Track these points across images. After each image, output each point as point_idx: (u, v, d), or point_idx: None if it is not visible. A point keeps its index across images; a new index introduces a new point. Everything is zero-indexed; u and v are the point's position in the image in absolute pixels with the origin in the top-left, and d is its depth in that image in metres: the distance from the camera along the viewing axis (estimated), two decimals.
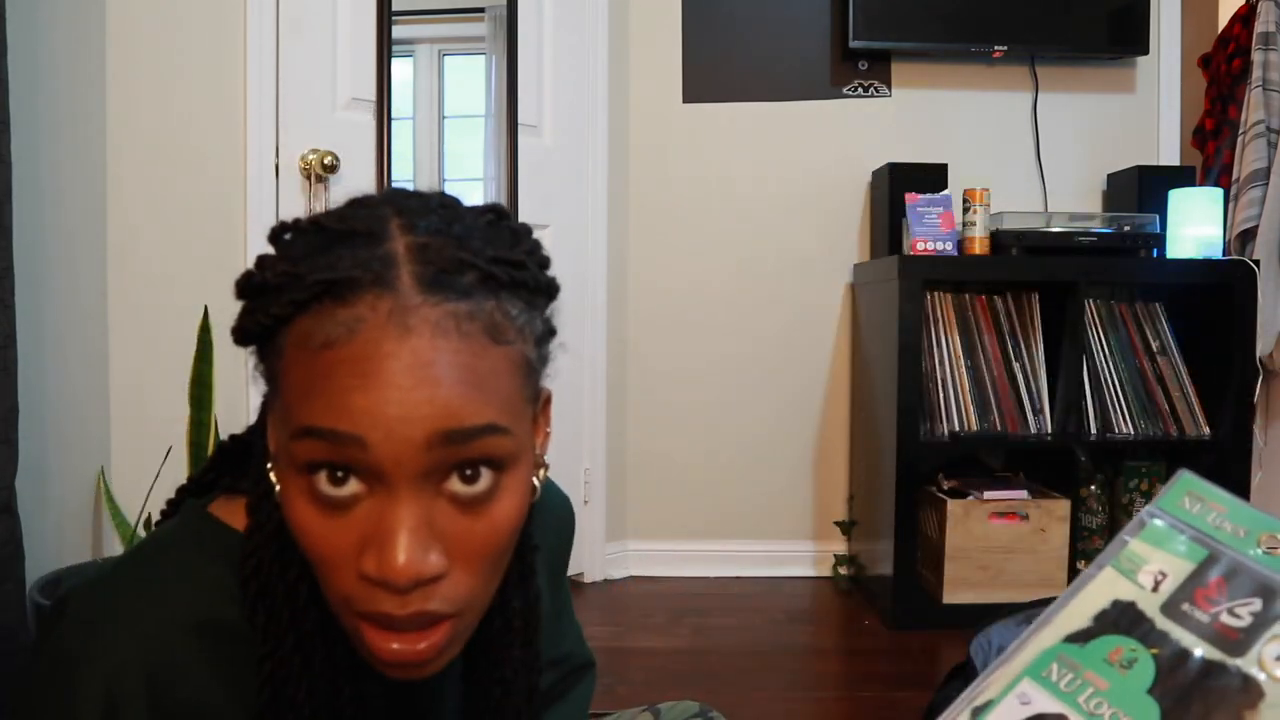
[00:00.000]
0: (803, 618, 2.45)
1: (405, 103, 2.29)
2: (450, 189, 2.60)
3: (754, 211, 2.78)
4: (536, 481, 0.57)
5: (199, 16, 2.06)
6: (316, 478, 0.50)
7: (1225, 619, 0.44)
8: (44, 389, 1.79)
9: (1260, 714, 0.41)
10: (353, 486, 0.50)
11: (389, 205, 0.54)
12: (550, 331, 0.58)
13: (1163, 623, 0.46)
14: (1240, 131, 2.55)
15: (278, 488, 0.54)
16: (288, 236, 0.54)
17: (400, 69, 2.24)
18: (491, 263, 0.52)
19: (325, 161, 2.06)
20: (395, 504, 0.50)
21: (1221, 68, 2.70)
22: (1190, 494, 0.50)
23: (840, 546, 2.76)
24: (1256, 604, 0.44)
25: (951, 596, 2.32)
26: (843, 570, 2.68)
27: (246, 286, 0.53)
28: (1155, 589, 0.47)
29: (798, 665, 2.14)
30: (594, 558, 2.70)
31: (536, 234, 0.59)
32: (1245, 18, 2.62)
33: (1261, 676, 0.42)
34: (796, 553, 2.80)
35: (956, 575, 2.32)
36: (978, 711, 0.46)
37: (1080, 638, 0.47)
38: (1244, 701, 0.42)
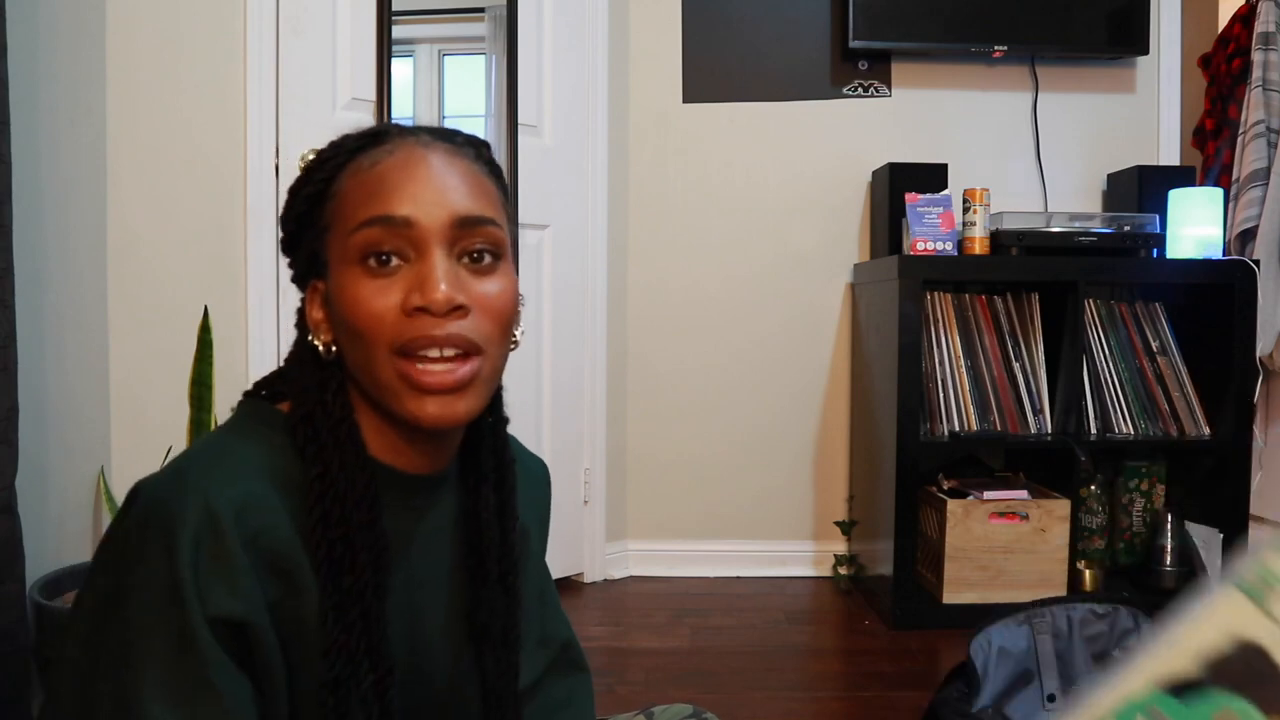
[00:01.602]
0: (803, 618, 2.45)
1: (405, 103, 2.29)
2: None
3: (754, 211, 2.78)
4: (517, 333, 0.75)
5: (199, 16, 2.06)
6: (367, 262, 0.68)
7: None
8: (44, 389, 1.79)
9: None
10: (395, 262, 0.68)
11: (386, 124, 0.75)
12: (510, 217, 0.77)
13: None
14: (1240, 131, 2.55)
15: (319, 315, 0.73)
16: (333, 144, 0.73)
17: (400, 69, 2.24)
18: (472, 140, 0.75)
19: None
20: (431, 260, 0.68)
21: (1221, 68, 2.70)
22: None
23: (840, 546, 2.76)
24: None
25: (951, 596, 2.32)
26: (843, 570, 2.69)
27: (294, 185, 0.73)
28: None
29: (798, 665, 2.14)
30: (594, 558, 2.70)
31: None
32: (1245, 18, 2.62)
33: None
34: (796, 553, 2.80)
35: (956, 575, 2.32)
36: None
37: (1181, 689, 0.35)
38: None
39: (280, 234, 0.77)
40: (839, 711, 1.88)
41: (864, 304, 2.67)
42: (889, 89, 2.79)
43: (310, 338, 0.73)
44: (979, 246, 2.42)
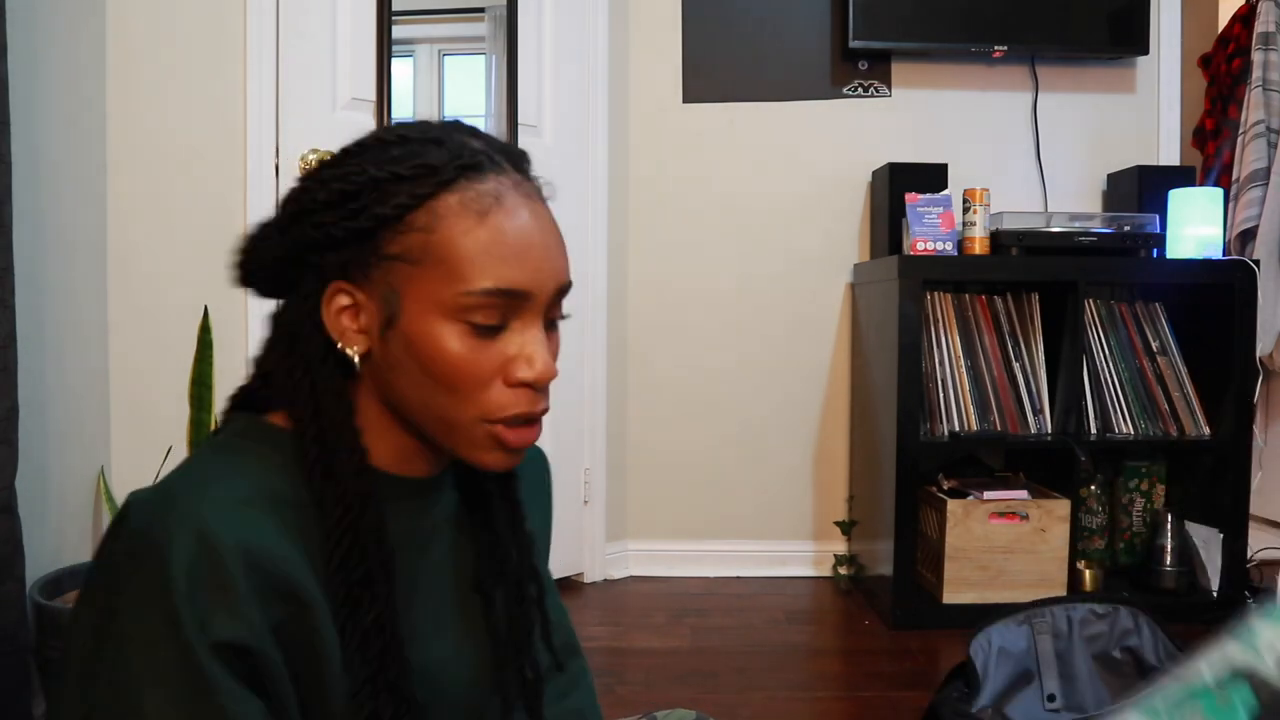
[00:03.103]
0: (803, 618, 2.45)
1: (405, 103, 2.29)
2: None
3: (754, 212, 2.78)
4: None
5: (199, 16, 2.06)
6: (474, 323, 0.67)
7: None
8: (44, 389, 1.79)
9: None
10: (503, 326, 0.68)
11: (445, 125, 0.71)
12: None
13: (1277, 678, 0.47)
14: (1240, 131, 2.55)
15: (350, 324, 0.69)
16: (367, 147, 0.69)
17: (400, 69, 2.24)
18: (530, 165, 0.73)
19: (325, 161, 2.06)
20: (536, 331, 0.69)
21: (1221, 68, 2.70)
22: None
23: (840, 546, 2.76)
24: None
25: (951, 596, 2.32)
26: (843, 570, 2.69)
27: (351, 188, 0.67)
28: (1275, 659, 0.47)
29: (798, 665, 2.14)
30: (594, 558, 2.70)
31: None
32: (1245, 18, 2.62)
33: None
34: (796, 553, 2.80)
35: (956, 575, 2.32)
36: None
37: (1193, 698, 0.52)
38: None
39: (291, 219, 0.70)
40: (839, 711, 1.88)
41: (864, 304, 2.67)
42: (889, 89, 2.78)
43: (339, 344, 0.70)
44: (979, 246, 2.42)
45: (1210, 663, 0.55)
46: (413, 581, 0.74)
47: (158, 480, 0.68)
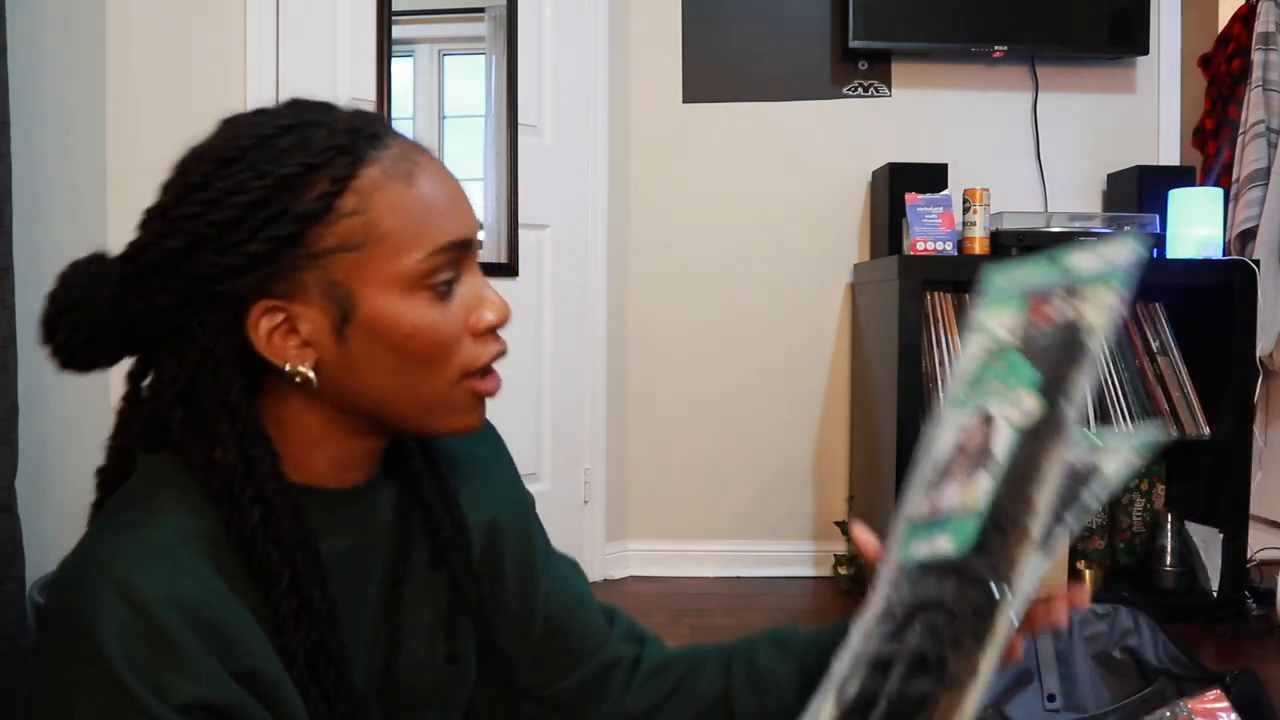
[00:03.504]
0: (803, 618, 2.45)
1: (405, 103, 2.29)
2: None
3: (754, 212, 2.78)
4: None
5: (199, 16, 2.06)
6: (436, 287, 0.64)
7: (1053, 314, 0.65)
8: (44, 389, 1.79)
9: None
10: (453, 283, 0.66)
11: (297, 105, 0.67)
12: None
13: (1022, 338, 0.67)
14: (1240, 131, 2.55)
15: (291, 342, 0.64)
16: (247, 149, 0.62)
17: (400, 69, 2.24)
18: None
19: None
20: (480, 276, 0.68)
21: (1221, 68, 2.70)
22: (998, 278, 0.72)
23: (840, 546, 2.76)
24: (1066, 295, 0.65)
25: None
26: (843, 570, 2.68)
27: (257, 195, 0.60)
28: (1006, 330, 0.68)
29: None
30: (594, 558, 2.69)
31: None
32: (1245, 18, 2.62)
33: (1080, 321, 0.63)
34: (796, 553, 2.80)
35: None
36: (927, 450, 0.71)
37: (974, 378, 0.69)
38: (1083, 340, 0.62)
39: (180, 256, 0.61)
40: None
41: (864, 304, 2.67)
42: (889, 89, 2.78)
43: (285, 368, 0.63)
44: (979, 246, 2.41)
45: (977, 344, 0.69)
46: (359, 596, 0.70)
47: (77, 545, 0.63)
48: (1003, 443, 0.63)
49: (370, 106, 2.16)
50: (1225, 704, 1.30)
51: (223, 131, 0.65)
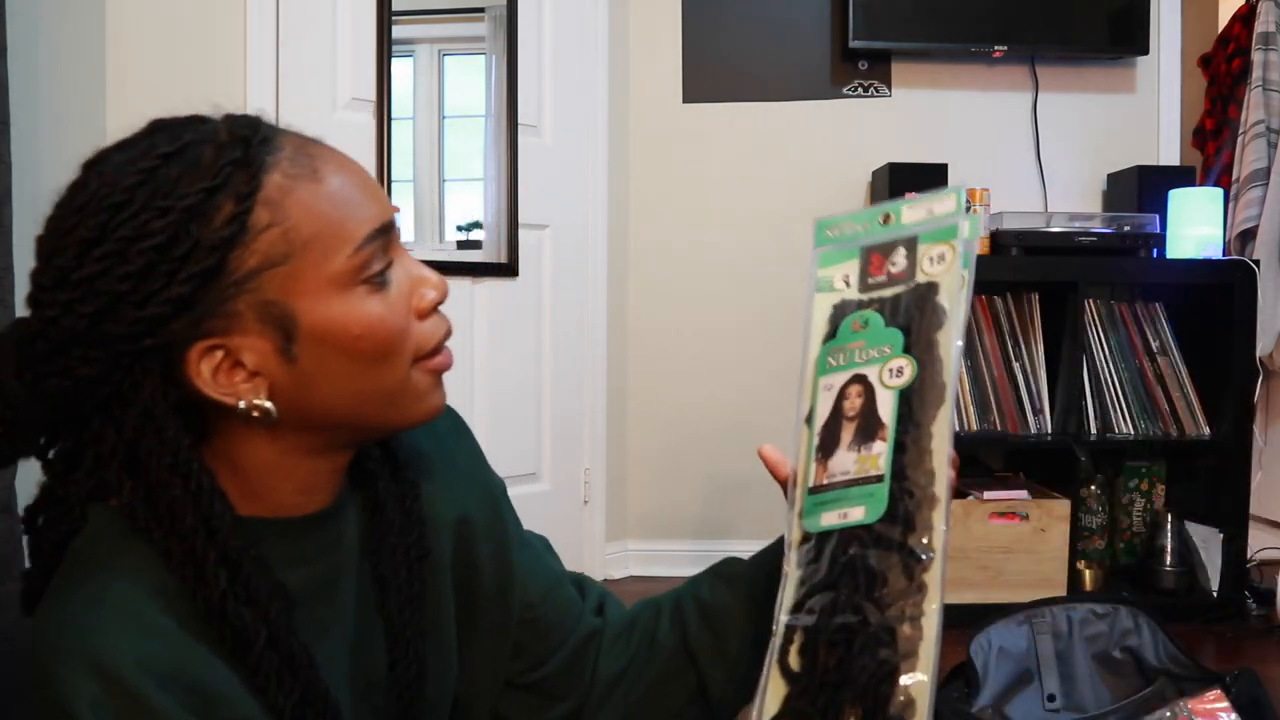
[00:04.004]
0: None
1: (405, 103, 2.29)
2: (450, 189, 2.58)
3: (754, 212, 2.78)
4: None
5: (199, 16, 2.06)
6: (372, 280, 0.62)
7: (893, 269, 0.68)
8: None
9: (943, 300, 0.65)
10: (386, 270, 0.63)
11: (162, 127, 0.62)
12: None
13: (866, 295, 0.69)
14: (1240, 131, 2.55)
15: (238, 377, 0.60)
16: (135, 188, 0.57)
17: (400, 69, 2.24)
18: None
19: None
20: (407, 256, 0.66)
21: (1221, 68, 2.70)
22: (827, 227, 0.75)
23: None
24: (903, 250, 0.68)
25: (951, 597, 2.29)
26: None
27: (164, 236, 0.56)
28: (848, 285, 0.72)
29: None
30: (594, 558, 2.69)
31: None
32: (1245, 18, 2.62)
33: (926, 279, 0.66)
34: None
35: (956, 575, 2.31)
36: (809, 417, 0.70)
37: (829, 337, 0.72)
38: (934, 298, 0.65)
39: (94, 321, 0.56)
40: None
41: None
42: (889, 89, 2.78)
43: (239, 406, 0.60)
44: (979, 246, 2.41)
45: (822, 301, 0.74)
46: (334, 614, 0.69)
47: (43, 608, 0.60)
48: (887, 407, 0.64)
49: (370, 106, 2.16)
50: (1225, 704, 1.29)
51: (93, 178, 0.59)
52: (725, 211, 2.78)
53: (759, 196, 2.78)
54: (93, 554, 0.60)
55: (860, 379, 0.66)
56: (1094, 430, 2.44)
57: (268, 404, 0.60)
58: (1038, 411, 2.46)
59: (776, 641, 0.62)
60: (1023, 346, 2.50)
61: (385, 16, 2.16)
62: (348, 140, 2.13)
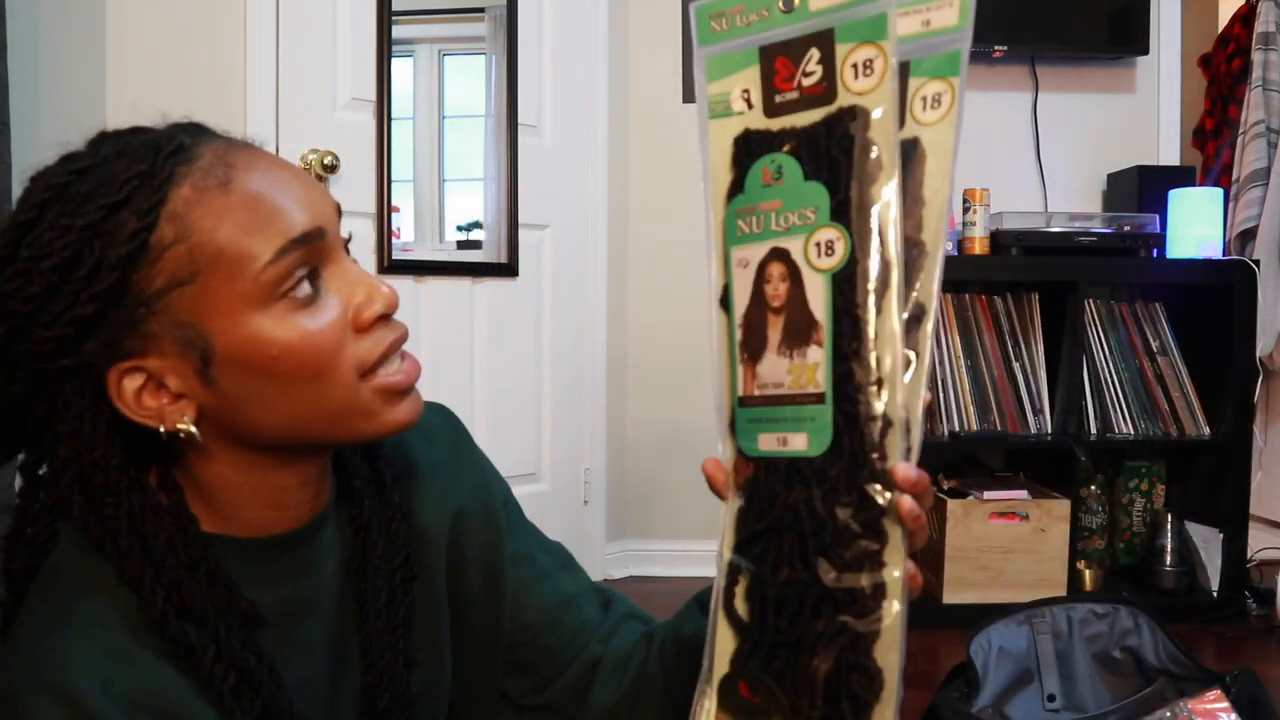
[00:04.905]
0: None
1: (405, 103, 2.29)
2: (450, 189, 2.58)
3: None
4: None
5: (199, 16, 2.06)
6: (297, 291, 0.57)
7: (806, 81, 0.50)
8: None
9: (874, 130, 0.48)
10: (317, 282, 0.59)
11: (100, 140, 0.60)
12: None
13: (775, 122, 0.51)
14: (1240, 131, 2.55)
15: (161, 399, 0.58)
16: (44, 205, 0.56)
17: (400, 69, 2.24)
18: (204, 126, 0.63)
19: (325, 161, 2.06)
20: (350, 266, 0.61)
21: (1221, 68, 2.70)
22: (710, 16, 0.53)
23: None
24: (816, 54, 0.49)
25: (951, 596, 2.32)
26: None
27: (65, 255, 0.54)
28: (751, 105, 0.52)
29: None
30: (594, 558, 2.69)
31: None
32: (1245, 18, 2.62)
33: (852, 98, 0.49)
34: None
35: (956, 575, 2.32)
36: (724, 299, 0.55)
37: (736, 190, 0.54)
38: (864, 134, 0.48)
39: (9, 330, 0.55)
40: None
41: None
42: None
43: (161, 429, 0.58)
44: (979, 246, 2.41)
45: (719, 131, 0.56)
46: (318, 632, 0.67)
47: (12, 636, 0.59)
48: (819, 298, 0.50)
49: (370, 106, 2.16)
50: (1225, 704, 1.30)
51: (24, 193, 0.58)
52: None
53: None
54: (58, 575, 0.60)
55: (781, 255, 0.52)
56: (1094, 430, 2.44)
57: (191, 428, 0.58)
58: (1038, 411, 2.46)
59: (721, 581, 0.54)
60: (1023, 346, 2.50)
61: (385, 16, 2.16)
62: (347, 140, 2.13)
